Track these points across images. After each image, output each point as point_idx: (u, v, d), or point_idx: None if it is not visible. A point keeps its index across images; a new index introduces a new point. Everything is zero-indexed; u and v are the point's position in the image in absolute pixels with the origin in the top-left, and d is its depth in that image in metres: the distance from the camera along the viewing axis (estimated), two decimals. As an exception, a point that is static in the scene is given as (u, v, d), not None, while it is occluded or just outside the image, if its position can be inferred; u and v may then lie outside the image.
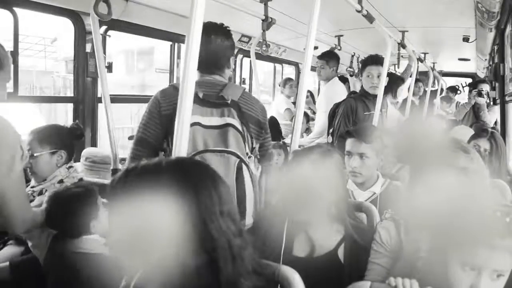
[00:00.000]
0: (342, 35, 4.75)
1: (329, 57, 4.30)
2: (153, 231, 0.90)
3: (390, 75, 3.88)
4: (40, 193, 2.29)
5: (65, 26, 2.82)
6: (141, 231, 0.91)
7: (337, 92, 4.15)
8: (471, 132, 3.04)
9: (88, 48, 2.80)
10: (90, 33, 2.68)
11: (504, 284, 1.11)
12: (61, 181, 2.33)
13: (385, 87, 3.33)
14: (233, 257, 0.95)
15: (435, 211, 1.16)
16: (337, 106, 3.56)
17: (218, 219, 0.95)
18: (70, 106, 3.02)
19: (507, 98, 3.58)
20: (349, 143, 2.31)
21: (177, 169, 0.98)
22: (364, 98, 3.41)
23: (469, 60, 6.52)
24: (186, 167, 1.00)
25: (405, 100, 4.66)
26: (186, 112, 1.36)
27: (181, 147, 1.35)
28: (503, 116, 3.84)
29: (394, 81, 4.03)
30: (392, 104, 4.18)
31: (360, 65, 4.48)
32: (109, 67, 2.76)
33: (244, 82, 5.00)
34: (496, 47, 3.93)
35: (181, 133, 1.35)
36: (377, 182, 2.31)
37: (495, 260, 1.07)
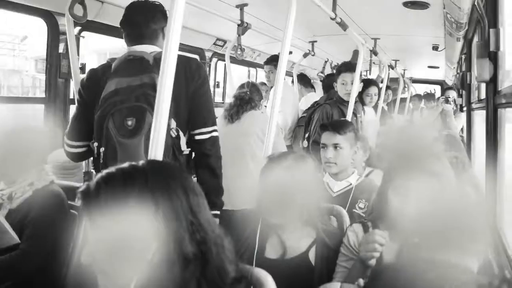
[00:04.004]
0: (315, 41, 4.81)
1: (277, 61, 4.22)
2: (148, 234, 0.92)
3: (363, 81, 3.94)
4: (10, 197, 2.24)
5: (37, 25, 2.76)
6: (132, 238, 0.91)
7: (286, 98, 4.00)
8: None
9: (61, 48, 2.76)
10: (63, 33, 2.64)
11: None
12: (31, 184, 2.28)
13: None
14: (218, 245, 1.00)
15: (411, 215, 1.19)
16: (313, 111, 3.59)
17: (204, 211, 1.01)
18: (39, 107, 2.93)
19: (473, 106, 3.68)
20: (324, 135, 2.40)
21: (163, 170, 1.02)
22: (340, 104, 3.45)
23: (438, 68, 6.70)
24: (169, 169, 1.04)
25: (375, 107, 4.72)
26: (163, 113, 1.35)
27: (157, 150, 1.35)
28: (469, 123, 3.96)
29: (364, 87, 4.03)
30: (373, 108, 4.20)
31: (334, 71, 4.50)
32: (82, 68, 2.71)
33: (218, 86, 4.98)
34: (463, 56, 4.03)
35: (157, 135, 1.35)
36: (353, 175, 2.38)
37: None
